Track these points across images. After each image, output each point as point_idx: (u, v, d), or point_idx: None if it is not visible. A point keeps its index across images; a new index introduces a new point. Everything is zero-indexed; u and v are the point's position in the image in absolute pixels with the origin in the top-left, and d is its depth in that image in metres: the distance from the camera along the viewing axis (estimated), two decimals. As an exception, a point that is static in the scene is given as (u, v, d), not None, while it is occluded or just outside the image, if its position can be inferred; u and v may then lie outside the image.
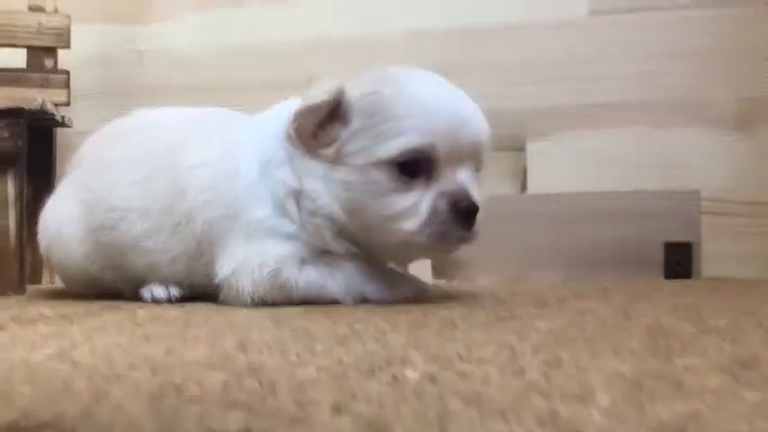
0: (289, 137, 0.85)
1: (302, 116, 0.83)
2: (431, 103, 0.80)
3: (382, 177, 0.81)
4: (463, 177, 0.80)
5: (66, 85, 1.24)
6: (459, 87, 0.84)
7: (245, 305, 0.86)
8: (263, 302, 0.86)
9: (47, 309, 0.85)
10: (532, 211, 1.22)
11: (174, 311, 0.81)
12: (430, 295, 0.89)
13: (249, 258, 0.87)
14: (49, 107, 1.20)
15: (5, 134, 1.06)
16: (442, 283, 1.20)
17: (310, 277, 0.86)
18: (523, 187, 1.22)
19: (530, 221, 1.22)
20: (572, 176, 1.22)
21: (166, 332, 0.65)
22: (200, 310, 0.82)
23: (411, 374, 0.43)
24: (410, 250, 0.86)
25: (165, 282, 0.95)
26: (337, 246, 0.86)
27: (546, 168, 1.14)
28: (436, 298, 0.90)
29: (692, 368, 0.43)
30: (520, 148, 1.23)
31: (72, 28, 1.28)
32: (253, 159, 0.87)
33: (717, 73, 1.19)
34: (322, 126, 0.83)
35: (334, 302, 0.85)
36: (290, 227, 0.86)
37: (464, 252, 1.25)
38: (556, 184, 1.22)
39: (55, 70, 1.25)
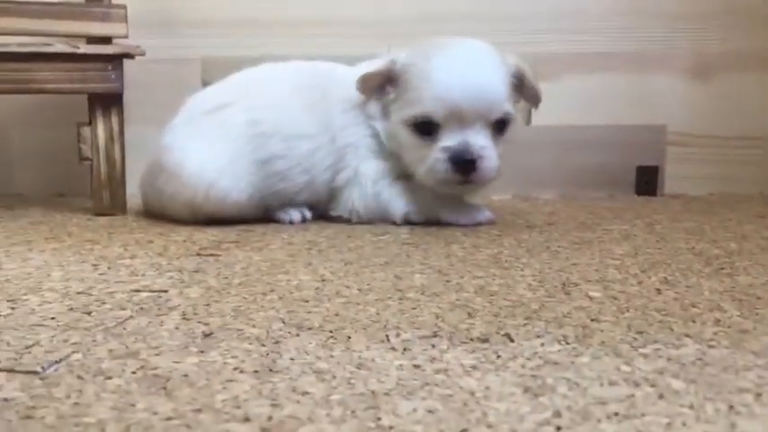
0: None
1: (363, 80, 1.07)
2: (439, 78, 1.00)
3: (404, 134, 1.05)
4: (464, 137, 1.00)
5: (125, 18, 1.31)
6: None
7: (355, 216, 1.10)
8: (366, 218, 1.10)
9: (199, 234, 0.99)
10: (535, 140, 1.48)
11: (316, 238, 0.98)
12: (493, 223, 1.10)
13: (361, 173, 1.09)
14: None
15: (113, 76, 1.20)
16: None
17: (397, 193, 1.09)
18: (528, 120, 1.48)
19: (533, 149, 1.48)
20: (567, 112, 1.49)
21: (341, 269, 0.80)
22: (333, 235, 0.99)
23: (595, 294, 0.69)
24: (433, 187, 1.05)
25: (300, 205, 1.12)
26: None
27: (547, 105, 1.39)
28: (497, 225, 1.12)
29: (753, 284, 0.71)
30: (526, 88, 1.48)
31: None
32: None
33: (683, 31, 1.48)
34: (381, 86, 1.07)
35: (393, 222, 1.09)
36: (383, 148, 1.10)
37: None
38: (555, 119, 1.48)
39: (113, 4, 1.33)
